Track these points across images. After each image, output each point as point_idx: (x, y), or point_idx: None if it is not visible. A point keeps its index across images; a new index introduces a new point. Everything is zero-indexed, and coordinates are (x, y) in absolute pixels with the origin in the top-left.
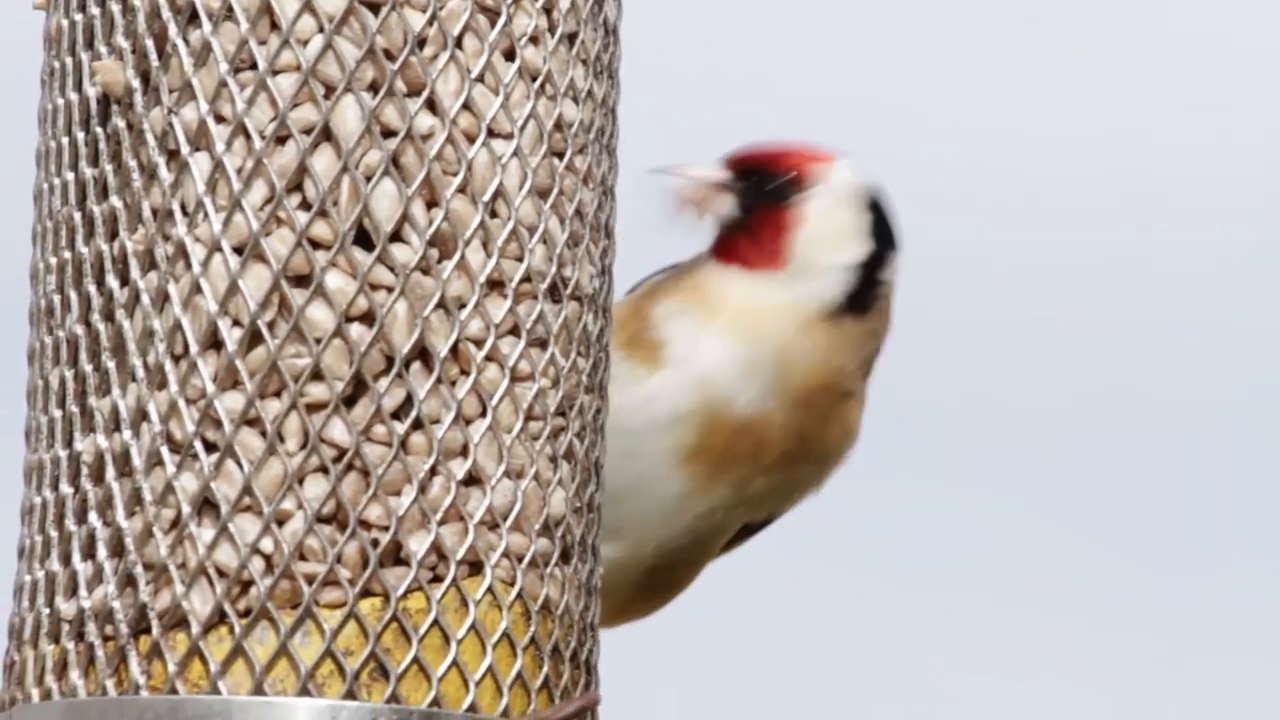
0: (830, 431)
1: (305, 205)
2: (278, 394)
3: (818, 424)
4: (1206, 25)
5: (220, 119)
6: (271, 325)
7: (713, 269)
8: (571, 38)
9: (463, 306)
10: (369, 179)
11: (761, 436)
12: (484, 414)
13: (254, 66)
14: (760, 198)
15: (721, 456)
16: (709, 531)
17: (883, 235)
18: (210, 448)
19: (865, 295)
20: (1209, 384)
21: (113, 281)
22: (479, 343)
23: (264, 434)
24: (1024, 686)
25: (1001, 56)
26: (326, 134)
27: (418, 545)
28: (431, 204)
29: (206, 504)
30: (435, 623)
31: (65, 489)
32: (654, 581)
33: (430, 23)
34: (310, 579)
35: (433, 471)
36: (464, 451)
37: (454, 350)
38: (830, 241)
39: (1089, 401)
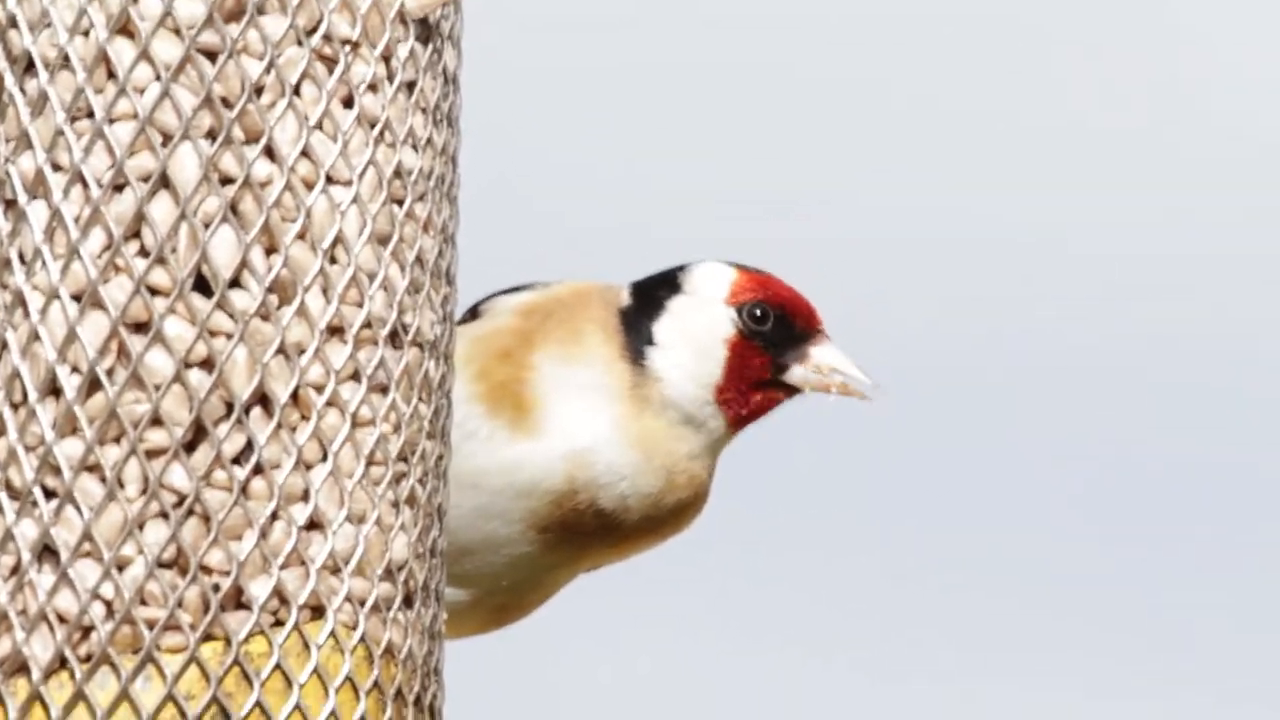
0: (683, 520)
1: (144, 253)
2: (117, 440)
3: (673, 520)
4: None
5: (57, 167)
6: (110, 372)
7: (648, 374)
8: (410, 86)
9: (303, 352)
10: (207, 226)
11: (618, 522)
12: (325, 459)
13: (91, 115)
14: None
15: (573, 529)
16: (558, 577)
17: None
18: (50, 494)
19: None
20: None
21: None
22: (319, 388)
23: (104, 480)
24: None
25: None
26: (164, 182)
27: (259, 590)
28: (270, 251)
29: (46, 550)
30: (277, 666)
31: None
32: (503, 615)
33: (268, 70)
34: (151, 624)
35: (274, 516)
36: (305, 496)
37: (294, 396)
38: None
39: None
